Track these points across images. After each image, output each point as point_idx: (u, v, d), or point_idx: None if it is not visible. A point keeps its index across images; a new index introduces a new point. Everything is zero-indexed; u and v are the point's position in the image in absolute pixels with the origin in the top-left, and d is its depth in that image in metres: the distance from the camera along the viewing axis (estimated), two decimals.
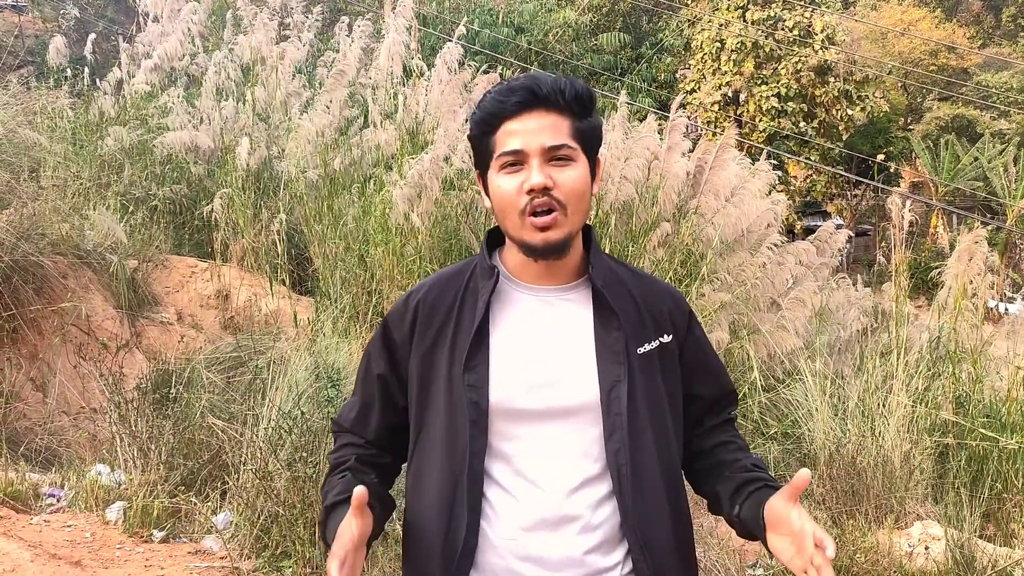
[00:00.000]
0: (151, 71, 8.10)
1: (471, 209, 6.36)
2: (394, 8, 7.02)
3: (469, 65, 7.18)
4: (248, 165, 6.50)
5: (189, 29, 8.62)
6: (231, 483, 3.49)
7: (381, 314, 5.84)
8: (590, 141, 1.31)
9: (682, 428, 1.41)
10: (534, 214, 1.26)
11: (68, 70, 9.08)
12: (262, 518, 3.20)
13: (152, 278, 5.87)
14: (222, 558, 3.09)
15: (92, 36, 9.88)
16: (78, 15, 15.05)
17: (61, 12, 15.79)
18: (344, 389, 4.01)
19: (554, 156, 1.26)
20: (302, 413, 3.50)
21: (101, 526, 3.21)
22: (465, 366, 1.30)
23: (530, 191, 1.25)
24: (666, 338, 1.37)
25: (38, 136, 6.24)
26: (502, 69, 9.12)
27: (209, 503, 3.42)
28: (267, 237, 6.35)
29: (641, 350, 1.33)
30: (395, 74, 7.04)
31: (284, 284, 6.23)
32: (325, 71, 7.89)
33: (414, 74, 7.31)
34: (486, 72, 7.65)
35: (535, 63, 14.90)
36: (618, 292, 1.36)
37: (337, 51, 7.96)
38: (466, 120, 6.33)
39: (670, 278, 5.29)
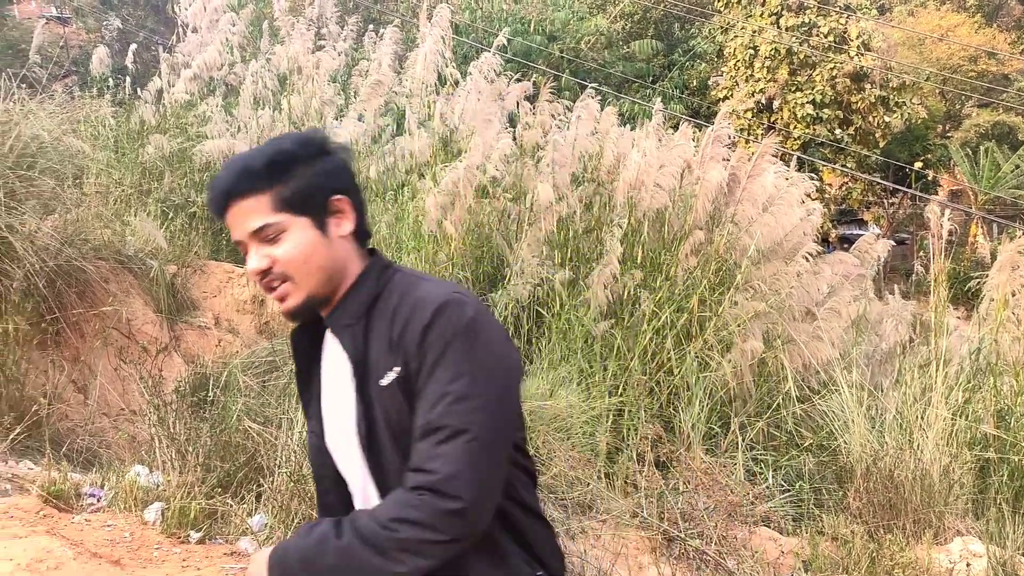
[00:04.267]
0: (190, 80, 8.27)
1: (504, 217, 6.39)
2: (430, 18, 7.09)
3: (505, 75, 7.23)
4: None
5: (228, 39, 8.79)
6: (266, 486, 3.54)
7: None
8: (302, 201, 1.30)
9: None
10: (269, 290, 1.33)
11: (110, 79, 9.30)
12: (296, 521, 3.24)
13: (191, 283, 5.98)
14: None
15: (133, 46, 10.12)
16: (120, 26, 15.44)
17: (104, 23, 16.21)
18: None
19: (263, 237, 1.29)
20: None
21: (140, 526, 3.27)
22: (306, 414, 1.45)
23: (253, 275, 1.33)
24: (400, 369, 1.27)
25: (82, 144, 6.39)
26: (535, 77, 9.16)
27: (244, 505, 3.47)
28: None
29: (386, 381, 1.27)
30: (430, 83, 7.11)
31: None
32: (360, 79, 7.99)
33: (448, 82, 7.37)
34: (519, 80, 7.69)
35: (567, 71, 14.92)
36: (360, 328, 1.32)
37: (371, 60, 8.06)
38: (503, 128, 6.36)
39: (704, 287, 5.26)
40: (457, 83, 7.39)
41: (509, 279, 5.60)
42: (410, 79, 7.28)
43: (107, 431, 4.42)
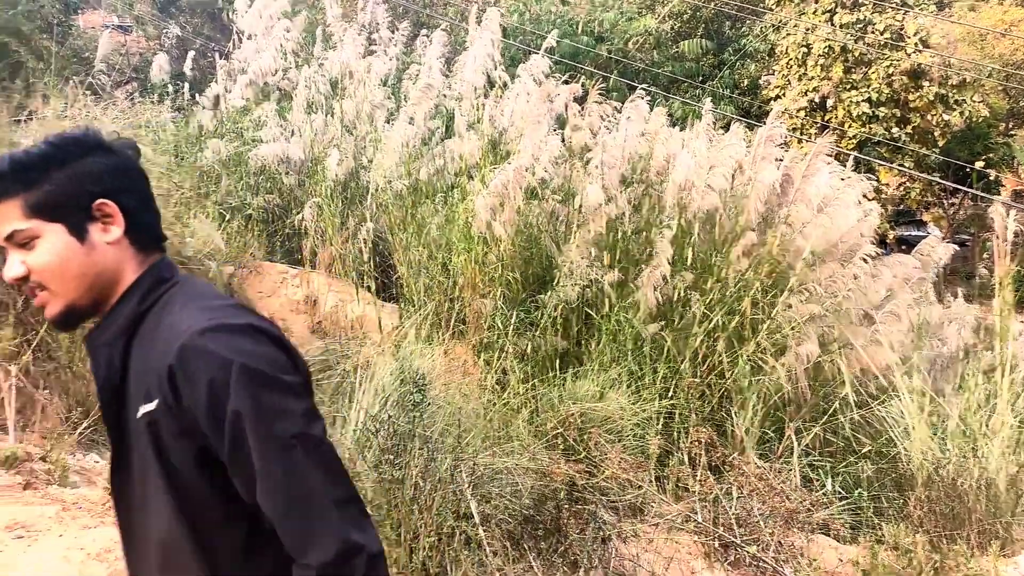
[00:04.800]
0: (246, 86, 8.47)
1: (552, 219, 6.39)
2: (479, 22, 7.14)
3: (554, 77, 7.24)
4: (337, 176, 6.73)
5: (282, 45, 8.98)
6: None
7: (463, 321, 5.92)
8: (55, 207, 1.21)
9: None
10: (33, 296, 1.25)
11: (169, 86, 9.58)
12: None
13: (247, 283, 6.13)
14: None
15: (192, 54, 10.41)
16: (180, 34, 15.92)
17: (163, 31, 16.72)
18: (428, 394, 4.09)
19: (16, 242, 1.22)
20: (389, 416, 3.58)
21: None
22: None
23: (10, 282, 1.24)
24: (151, 405, 1.17)
25: (143, 148, 6.60)
26: (584, 79, 9.14)
27: None
28: (354, 245, 6.54)
29: (139, 413, 1.19)
30: (479, 86, 7.15)
31: (370, 291, 6.40)
32: (410, 83, 8.08)
33: (497, 85, 7.40)
34: (567, 83, 7.68)
35: (615, 72, 14.85)
36: (118, 350, 1.24)
37: (422, 64, 8.14)
38: (551, 130, 6.37)
39: (756, 289, 5.17)
40: (506, 85, 7.41)
41: (558, 280, 5.60)
42: (459, 82, 7.34)
43: None
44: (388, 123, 7.61)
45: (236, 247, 6.32)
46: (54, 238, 1.21)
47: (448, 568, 3.08)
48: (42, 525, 2.94)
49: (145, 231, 1.28)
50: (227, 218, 6.72)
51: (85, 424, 4.00)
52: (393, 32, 9.63)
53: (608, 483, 3.44)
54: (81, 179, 1.23)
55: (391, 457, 3.39)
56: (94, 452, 4.09)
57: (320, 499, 1.13)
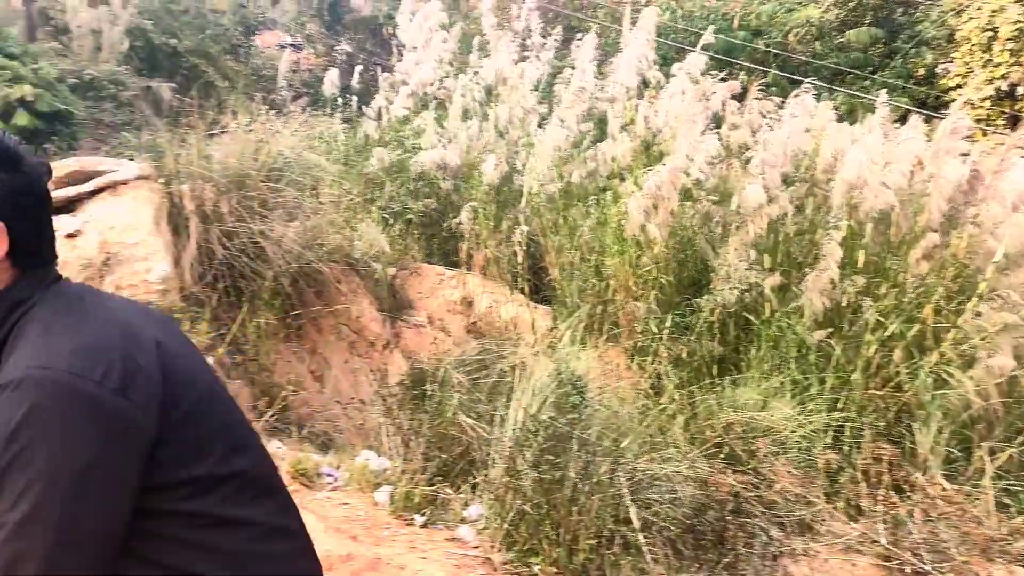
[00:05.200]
0: (408, 96, 8.88)
1: (707, 220, 6.21)
2: (633, 22, 7.09)
3: (709, 74, 7.04)
4: (491, 180, 6.90)
5: (440, 57, 9.33)
6: (480, 478, 3.71)
7: (616, 324, 5.88)
8: None
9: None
10: None
11: (339, 99, 10.22)
12: (511, 514, 3.36)
13: (407, 284, 6.43)
14: (475, 547, 3.29)
15: (359, 68, 11.06)
16: (349, 50, 16.99)
17: (333, 48, 17.86)
18: (586, 396, 4.10)
19: None
20: (550, 417, 3.62)
21: (371, 507, 3.57)
22: None
23: None
24: None
25: (318, 158, 7.09)
26: (743, 76, 8.82)
27: (461, 495, 3.66)
28: (508, 247, 6.67)
29: None
30: (632, 87, 7.08)
31: (523, 292, 6.51)
32: (562, 87, 8.13)
33: (651, 85, 7.30)
34: (724, 80, 7.44)
35: (773, 66, 14.21)
36: None
37: (574, 68, 8.17)
38: (707, 129, 6.20)
39: (939, 295, 4.76)
40: (659, 85, 7.29)
41: (714, 284, 5.43)
42: (612, 84, 7.30)
43: (339, 417, 4.87)
44: (540, 127, 7.71)
45: (398, 250, 6.64)
46: None
47: (607, 572, 3.07)
48: None
49: (32, 254, 1.20)
50: (390, 222, 7.07)
51: (270, 412, 4.35)
52: (546, 37, 9.74)
53: (774, 497, 3.30)
54: None
55: (551, 458, 3.43)
56: (277, 439, 4.44)
57: None
